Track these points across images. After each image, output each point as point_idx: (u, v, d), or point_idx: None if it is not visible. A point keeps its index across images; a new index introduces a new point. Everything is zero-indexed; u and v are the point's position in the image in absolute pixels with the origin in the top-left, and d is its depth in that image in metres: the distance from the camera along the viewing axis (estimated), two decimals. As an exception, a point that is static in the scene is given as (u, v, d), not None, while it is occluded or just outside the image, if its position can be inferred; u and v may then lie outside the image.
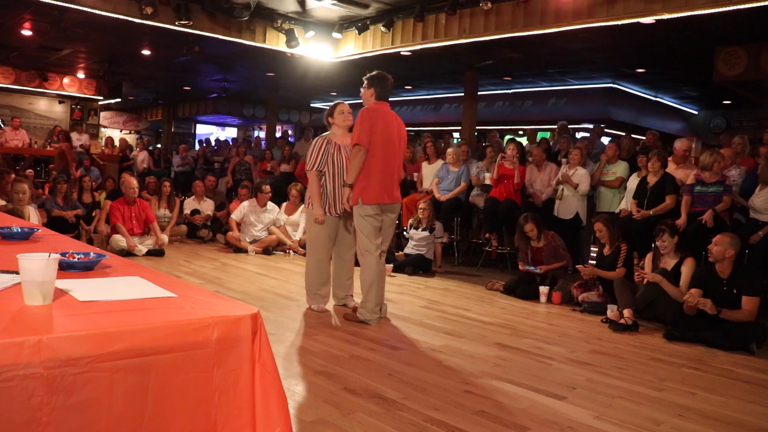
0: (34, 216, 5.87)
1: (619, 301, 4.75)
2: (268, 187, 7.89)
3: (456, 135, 12.22)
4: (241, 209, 7.75)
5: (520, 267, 5.86)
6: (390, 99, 4.54)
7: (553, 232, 5.84)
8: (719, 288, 4.23)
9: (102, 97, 14.76)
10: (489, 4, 6.92)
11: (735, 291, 4.19)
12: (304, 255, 5.39)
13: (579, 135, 9.83)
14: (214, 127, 22.03)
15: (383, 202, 4.28)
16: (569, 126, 9.44)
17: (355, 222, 4.31)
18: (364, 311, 4.32)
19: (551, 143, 8.68)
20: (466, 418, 2.64)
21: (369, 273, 4.29)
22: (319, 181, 4.47)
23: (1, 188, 6.46)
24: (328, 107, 4.74)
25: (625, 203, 6.27)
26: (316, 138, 4.60)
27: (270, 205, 7.86)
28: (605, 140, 11.25)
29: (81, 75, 13.85)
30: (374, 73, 4.39)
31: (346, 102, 4.82)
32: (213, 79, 14.37)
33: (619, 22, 6.37)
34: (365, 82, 4.39)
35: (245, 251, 7.51)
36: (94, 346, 1.19)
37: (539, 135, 10.01)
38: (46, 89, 13.71)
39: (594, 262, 5.93)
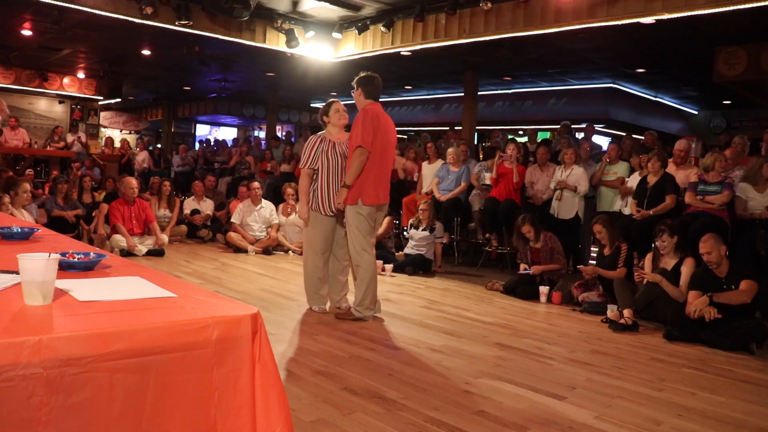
0: (28, 217, 5.90)
1: (619, 301, 4.75)
2: (255, 183, 7.98)
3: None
4: (238, 211, 7.79)
5: (521, 269, 5.86)
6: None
7: (551, 233, 5.83)
8: (719, 287, 4.23)
9: (102, 97, 14.73)
10: (489, 4, 6.91)
11: (734, 287, 4.20)
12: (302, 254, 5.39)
13: (579, 135, 9.78)
14: (213, 126, 22.01)
15: (380, 203, 4.35)
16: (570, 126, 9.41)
17: (352, 221, 4.31)
18: (361, 308, 4.34)
19: (552, 143, 8.65)
20: (466, 418, 2.64)
21: (366, 271, 4.31)
22: (311, 179, 4.46)
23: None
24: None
25: (624, 202, 6.29)
26: (311, 136, 4.59)
27: (264, 202, 7.90)
28: (603, 140, 11.26)
29: (81, 75, 13.83)
30: (361, 74, 4.47)
31: (345, 102, 4.82)
32: (213, 79, 14.35)
33: (619, 22, 6.37)
34: (353, 85, 4.46)
35: (245, 251, 7.52)
36: (94, 346, 1.18)
37: (539, 135, 10.00)
38: (46, 89, 13.69)
39: (594, 262, 5.93)
